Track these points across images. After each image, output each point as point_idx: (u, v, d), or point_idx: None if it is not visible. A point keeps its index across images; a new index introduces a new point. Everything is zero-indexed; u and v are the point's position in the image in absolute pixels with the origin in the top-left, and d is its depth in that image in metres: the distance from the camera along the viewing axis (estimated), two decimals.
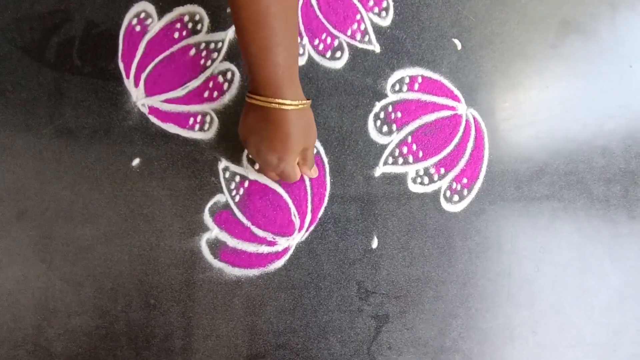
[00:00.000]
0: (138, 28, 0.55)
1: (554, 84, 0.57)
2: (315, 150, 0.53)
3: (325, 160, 0.54)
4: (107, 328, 0.51)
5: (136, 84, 0.54)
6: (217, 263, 0.52)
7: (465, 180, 0.55)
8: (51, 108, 0.54)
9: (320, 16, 0.56)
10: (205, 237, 0.52)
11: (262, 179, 0.53)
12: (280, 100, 0.42)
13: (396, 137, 0.55)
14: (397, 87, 0.56)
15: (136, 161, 0.53)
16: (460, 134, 0.55)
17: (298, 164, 0.48)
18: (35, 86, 0.54)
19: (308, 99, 0.45)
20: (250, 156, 0.51)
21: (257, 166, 0.54)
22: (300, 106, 0.43)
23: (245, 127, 0.46)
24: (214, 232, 0.52)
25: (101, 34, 0.55)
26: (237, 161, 0.54)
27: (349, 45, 0.56)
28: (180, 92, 0.54)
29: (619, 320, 0.54)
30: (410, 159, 0.55)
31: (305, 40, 0.56)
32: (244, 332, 0.52)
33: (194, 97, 0.54)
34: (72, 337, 0.51)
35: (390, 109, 0.55)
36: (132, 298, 0.52)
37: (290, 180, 0.49)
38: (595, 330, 0.54)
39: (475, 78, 0.56)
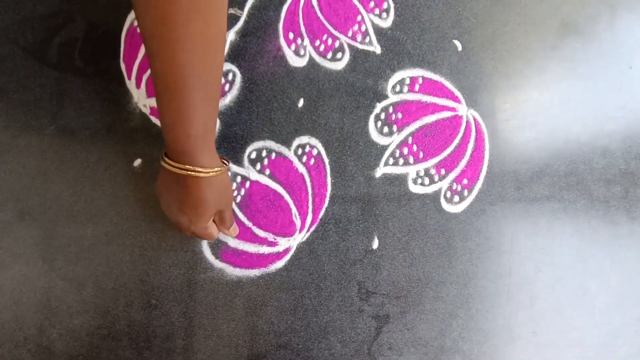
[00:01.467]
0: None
1: (554, 85, 0.57)
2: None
3: (326, 161, 0.55)
4: (108, 328, 0.52)
5: (138, 85, 0.55)
6: (218, 263, 0.53)
7: (465, 181, 0.55)
8: (53, 108, 0.54)
9: (321, 17, 0.56)
10: None
11: (264, 180, 0.54)
12: (193, 168, 0.42)
13: (397, 138, 0.55)
14: (397, 88, 0.56)
15: (138, 161, 0.54)
16: (460, 135, 0.56)
17: (216, 222, 0.49)
18: (37, 87, 0.55)
19: (224, 163, 0.45)
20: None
21: (258, 167, 0.54)
22: (212, 174, 0.43)
23: (160, 185, 0.46)
24: None
25: (103, 35, 0.56)
26: (238, 162, 0.54)
27: (349, 46, 0.56)
28: None
29: (619, 321, 0.55)
30: (411, 159, 0.55)
31: (307, 41, 0.56)
32: (245, 332, 0.52)
33: None
34: (74, 337, 0.51)
35: (390, 110, 0.56)
36: (134, 298, 0.52)
37: (207, 239, 0.50)
38: (595, 331, 0.55)
39: (475, 79, 0.57)
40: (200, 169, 0.42)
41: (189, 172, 0.42)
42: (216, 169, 0.43)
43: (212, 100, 0.41)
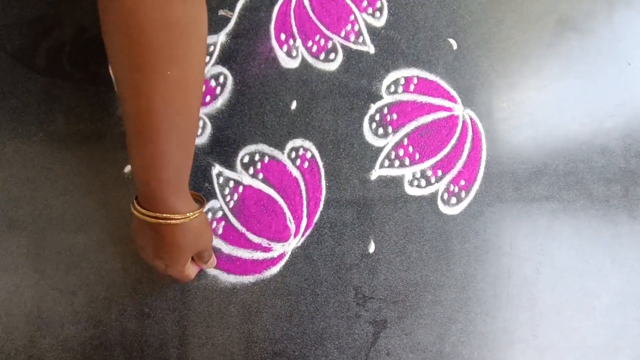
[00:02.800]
0: None
1: (551, 83, 0.57)
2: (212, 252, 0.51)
3: (321, 164, 0.54)
4: (101, 338, 0.51)
5: None
6: (211, 270, 0.52)
7: (462, 182, 0.54)
8: (42, 115, 0.54)
9: (314, 17, 0.56)
10: None
11: (257, 184, 0.53)
12: (165, 215, 0.40)
13: (392, 140, 0.55)
14: (392, 89, 0.55)
15: (128, 168, 0.53)
16: (457, 135, 0.55)
17: (194, 259, 0.48)
18: (25, 93, 0.54)
19: (200, 206, 0.44)
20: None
21: (251, 171, 0.53)
22: (186, 220, 0.41)
23: (133, 229, 0.45)
24: None
25: (92, 39, 0.55)
26: (230, 166, 0.53)
27: (342, 46, 0.56)
28: None
29: (620, 322, 0.54)
30: (407, 161, 0.54)
31: (299, 42, 0.55)
32: (240, 339, 0.51)
33: None
34: (66, 348, 0.51)
35: (385, 110, 0.55)
36: (126, 307, 0.51)
37: (184, 281, 0.49)
38: (596, 332, 0.54)
39: (471, 78, 0.56)
40: (173, 216, 0.40)
41: (159, 221, 0.40)
42: (189, 214, 0.41)
43: (187, 146, 0.40)
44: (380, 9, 0.57)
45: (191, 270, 0.48)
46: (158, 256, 0.44)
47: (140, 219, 0.42)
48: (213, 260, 0.51)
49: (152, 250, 0.44)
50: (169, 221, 0.40)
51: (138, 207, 0.41)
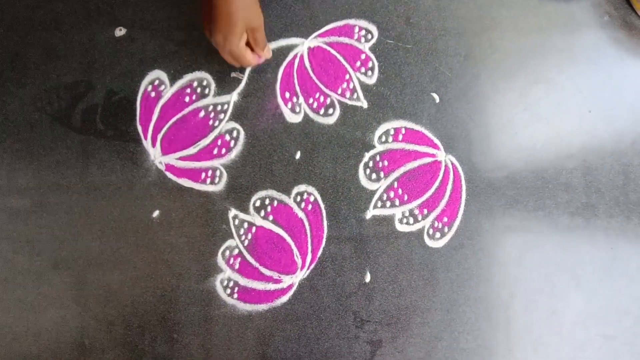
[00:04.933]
0: (153, 94, 0.63)
1: (521, 130, 0.66)
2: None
3: (322, 206, 0.63)
4: None
5: (153, 144, 0.62)
6: (230, 300, 0.61)
7: (445, 219, 0.63)
8: (79, 168, 0.62)
9: (314, 77, 0.64)
10: (219, 277, 0.61)
11: (268, 225, 0.62)
12: None
13: (384, 183, 0.63)
14: (383, 139, 0.64)
15: (156, 213, 0.61)
16: (440, 178, 0.64)
17: (249, 45, 0.58)
18: (64, 149, 0.62)
19: None
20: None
21: (262, 213, 0.62)
22: None
23: (203, 18, 0.56)
24: (227, 273, 0.61)
25: (120, 100, 0.63)
26: (245, 210, 0.62)
27: (339, 102, 0.64)
28: (192, 150, 0.62)
29: (584, 337, 0.63)
30: (397, 202, 0.63)
31: (301, 99, 0.64)
32: (255, 359, 0.60)
33: (205, 154, 0.62)
34: None
35: (377, 158, 0.64)
36: (157, 334, 0.60)
37: (241, 62, 0.58)
38: (563, 347, 0.63)
39: (452, 128, 0.65)
40: None
41: None
42: None
43: None
44: (372, 68, 0.66)
45: (248, 53, 0.57)
46: (218, 30, 0.54)
47: (206, 3, 0.53)
48: (269, 49, 0.60)
49: (213, 26, 0.54)
50: None
51: None
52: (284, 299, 0.62)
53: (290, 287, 0.62)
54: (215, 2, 0.52)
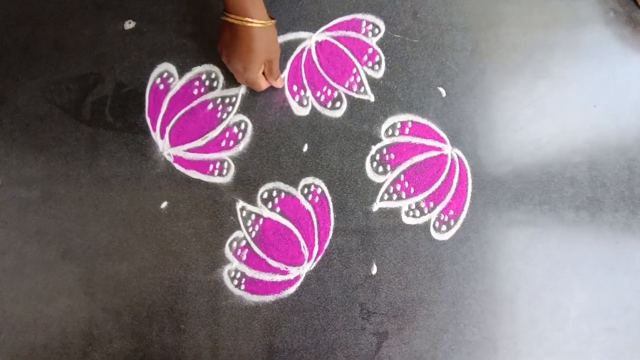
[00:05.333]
0: (162, 86, 0.64)
1: (527, 124, 0.66)
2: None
3: (329, 198, 0.63)
4: (144, 351, 0.60)
5: (162, 136, 0.63)
6: (237, 291, 0.61)
7: (451, 212, 0.64)
8: (88, 160, 0.63)
9: (321, 71, 0.65)
10: (227, 269, 0.61)
11: (275, 217, 0.62)
12: (246, 19, 0.53)
13: (390, 176, 0.64)
14: (390, 132, 0.65)
15: (164, 204, 0.62)
16: (446, 171, 0.64)
17: (265, 74, 0.61)
18: (73, 141, 0.63)
19: (273, 19, 0.57)
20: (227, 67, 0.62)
21: (269, 205, 0.62)
22: (262, 25, 0.54)
23: (221, 42, 0.58)
24: (234, 264, 0.61)
25: (129, 92, 0.64)
26: (252, 202, 0.62)
27: (347, 96, 0.65)
28: (200, 142, 0.63)
29: (589, 332, 0.63)
30: (404, 195, 0.64)
31: (309, 92, 0.65)
32: (262, 350, 0.61)
33: (213, 146, 0.63)
34: None
35: (384, 151, 0.64)
36: (165, 324, 0.60)
37: (255, 88, 0.62)
38: (567, 341, 0.63)
39: (458, 122, 0.65)
40: (251, 20, 0.54)
41: (243, 22, 0.53)
42: (264, 21, 0.55)
43: None
44: (379, 62, 0.66)
45: (262, 81, 0.61)
46: (239, 59, 0.57)
47: (226, 30, 0.56)
48: (281, 80, 0.64)
49: (235, 55, 0.57)
50: (248, 23, 0.54)
51: (227, 14, 0.55)
52: (291, 290, 0.62)
53: (297, 278, 0.62)
54: (240, 34, 0.55)
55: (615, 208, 0.66)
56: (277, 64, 0.61)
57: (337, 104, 0.65)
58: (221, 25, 0.57)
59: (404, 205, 0.64)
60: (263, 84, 0.61)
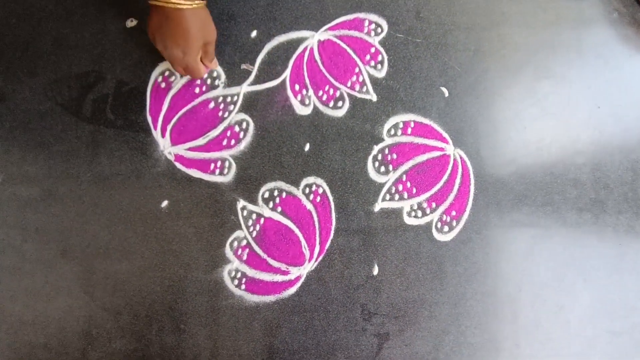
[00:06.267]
0: (163, 85, 0.63)
1: (530, 125, 0.66)
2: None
3: (331, 198, 0.63)
4: (143, 350, 0.60)
5: (163, 135, 0.63)
6: (238, 291, 0.61)
7: (454, 213, 0.63)
8: (89, 158, 0.62)
9: (324, 70, 0.65)
10: (227, 268, 0.61)
11: (276, 216, 0.62)
12: (176, 1, 0.52)
13: (392, 176, 0.63)
14: (392, 132, 0.64)
15: (165, 203, 0.62)
16: (449, 171, 0.64)
17: (201, 60, 0.60)
18: (74, 139, 0.63)
19: (203, 0, 0.55)
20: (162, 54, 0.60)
21: (271, 205, 0.62)
22: (194, 6, 0.53)
23: (152, 28, 0.57)
24: (235, 264, 0.61)
25: (131, 91, 0.64)
26: (253, 201, 0.62)
27: (349, 95, 0.65)
28: (201, 141, 0.63)
29: (592, 333, 0.63)
30: (406, 195, 0.63)
31: (311, 92, 0.64)
32: (262, 351, 0.60)
33: (214, 145, 0.63)
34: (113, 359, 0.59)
35: (386, 151, 0.64)
36: (165, 324, 0.60)
37: (194, 75, 0.61)
38: (570, 342, 0.63)
39: (461, 122, 0.65)
40: (181, 2, 0.52)
41: (174, 4, 0.52)
42: (196, 2, 0.53)
43: None
44: (382, 62, 0.66)
45: (201, 67, 0.60)
46: (176, 44, 0.55)
47: (156, 16, 0.54)
48: (215, 62, 0.63)
49: (170, 41, 0.55)
50: (180, 6, 0.52)
51: (154, 0, 0.53)
52: (292, 290, 0.62)
53: (298, 278, 0.62)
54: (172, 18, 0.53)
55: (618, 210, 0.65)
56: (214, 46, 0.60)
57: (339, 104, 0.65)
58: (150, 10, 0.55)
59: (405, 205, 0.63)
60: (202, 70, 0.61)
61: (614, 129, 0.67)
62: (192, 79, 0.64)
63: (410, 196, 0.64)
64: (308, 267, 0.62)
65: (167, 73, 0.64)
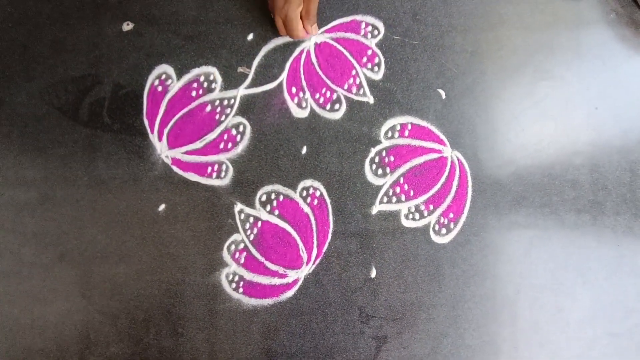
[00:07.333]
0: (160, 88, 0.63)
1: (528, 126, 0.66)
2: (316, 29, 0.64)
3: (328, 201, 0.63)
4: (141, 354, 0.60)
5: (160, 138, 0.63)
6: (235, 294, 0.61)
7: (451, 215, 0.63)
8: (86, 161, 0.62)
9: (320, 73, 0.65)
10: (225, 272, 0.61)
11: (274, 220, 0.62)
12: None
13: (390, 179, 0.63)
14: (389, 134, 0.64)
15: (162, 206, 0.62)
16: (446, 174, 0.64)
17: (302, 18, 0.61)
18: (71, 142, 0.63)
19: None
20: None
21: (268, 208, 0.62)
22: None
23: None
24: (232, 267, 0.61)
25: (127, 94, 0.64)
26: (250, 204, 0.62)
27: (346, 97, 0.65)
28: (198, 145, 0.63)
29: (591, 335, 0.63)
30: (403, 197, 0.63)
31: (308, 94, 0.64)
32: (261, 354, 0.60)
33: (211, 148, 0.63)
34: None
35: (384, 153, 0.64)
36: (162, 327, 0.60)
37: (291, 30, 0.61)
38: (570, 345, 0.63)
39: (458, 124, 0.65)
40: None
41: None
42: None
43: None
44: (378, 64, 0.66)
45: (300, 26, 0.61)
46: None
47: None
48: (316, 26, 0.64)
49: None
50: None
51: None
52: (290, 293, 0.62)
53: (295, 281, 0.62)
54: None
55: (617, 211, 0.65)
56: (316, 5, 0.60)
57: (336, 106, 0.65)
58: None
59: (403, 208, 0.63)
60: (301, 29, 0.61)
61: (612, 130, 0.67)
62: (189, 83, 0.64)
63: (408, 198, 0.63)
64: (306, 270, 0.62)
65: (163, 76, 0.64)
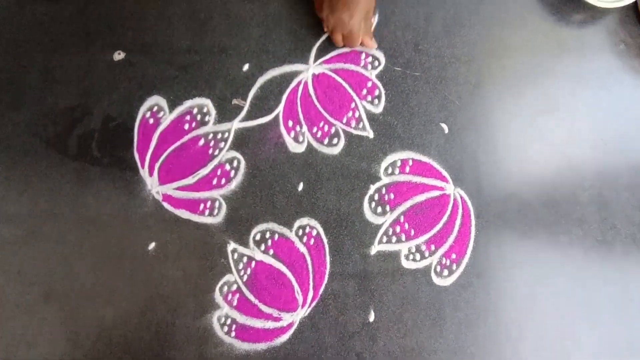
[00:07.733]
0: (151, 120, 0.61)
1: (532, 160, 0.63)
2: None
3: (325, 240, 0.60)
4: None
5: (150, 173, 0.60)
6: (227, 338, 0.58)
7: (454, 256, 0.61)
8: (73, 197, 0.60)
9: (318, 106, 0.62)
10: (217, 314, 0.58)
11: (268, 260, 0.59)
12: None
13: (390, 217, 0.61)
14: (389, 170, 0.62)
15: (152, 245, 0.59)
16: (448, 212, 0.61)
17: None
18: (58, 176, 0.61)
19: None
20: (326, 28, 0.62)
21: (262, 247, 0.59)
22: None
23: (323, 6, 0.59)
24: (225, 309, 0.58)
25: (118, 126, 0.62)
26: (244, 243, 0.60)
27: (344, 132, 0.62)
28: (191, 180, 0.60)
29: None
30: (403, 237, 0.61)
31: (305, 128, 0.62)
32: None
33: (204, 184, 0.60)
34: None
35: (383, 190, 0.61)
36: None
37: (353, 42, 0.61)
38: None
39: (461, 159, 0.63)
40: None
41: None
42: None
43: None
44: (379, 97, 0.63)
45: (358, 37, 0.60)
46: (346, 6, 0.57)
47: None
48: (375, 41, 0.63)
49: (341, 3, 0.57)
50: None
51: None
52: (284, 338, 0.59)
53: (290, 325, 0.59)
54: None
55: (626, 251, 0.62)
56: (371, 14, 0.61)
57: (335, 141, 0.62)
58: None
59: (403, 248, 0.61)
60: (359, 40, 0.61)
61: (620, 165, 0.64)
62: (181, 116, 0.61)
63: (408, 238, 0.61)
64: (301, 313, 0.59)
65: (155, 108, 0.62)
